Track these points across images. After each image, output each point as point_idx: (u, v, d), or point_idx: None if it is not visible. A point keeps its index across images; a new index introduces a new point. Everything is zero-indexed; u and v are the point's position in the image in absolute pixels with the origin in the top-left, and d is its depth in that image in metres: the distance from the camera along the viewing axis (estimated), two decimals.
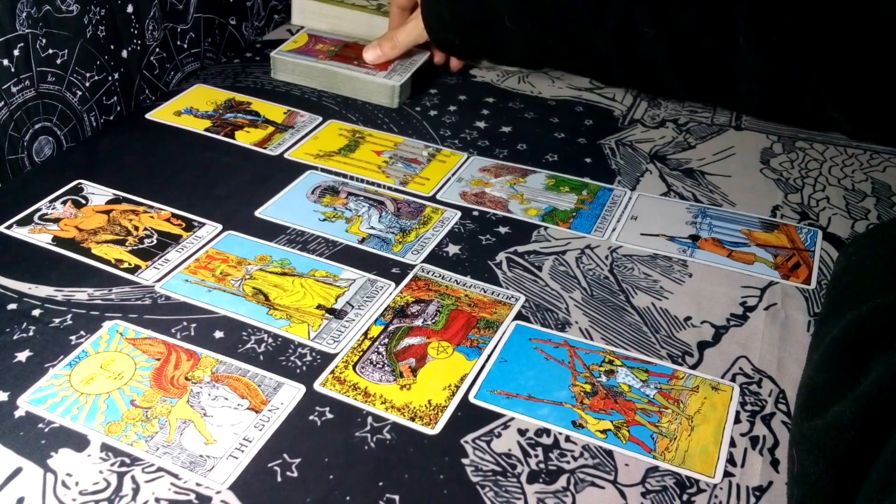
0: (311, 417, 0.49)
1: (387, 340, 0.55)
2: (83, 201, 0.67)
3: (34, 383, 0.51)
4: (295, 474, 0.46)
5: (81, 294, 0.58)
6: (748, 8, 0.72)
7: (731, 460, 0.48)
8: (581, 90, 0.89)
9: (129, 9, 0.77)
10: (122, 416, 0.49)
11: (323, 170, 0.73)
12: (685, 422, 0.50)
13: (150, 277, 0.60)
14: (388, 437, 0.48)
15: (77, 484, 0.45)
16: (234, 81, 0.87)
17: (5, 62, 0.66)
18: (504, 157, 0.77)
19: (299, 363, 0.53)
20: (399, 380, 0.52)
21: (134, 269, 0.60)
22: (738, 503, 0.46)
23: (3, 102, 0.67)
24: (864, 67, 0.70)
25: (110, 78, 0.77)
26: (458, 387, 0.52)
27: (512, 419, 0.50)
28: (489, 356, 0.54)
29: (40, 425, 0.48)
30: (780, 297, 0.60)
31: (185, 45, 0.87)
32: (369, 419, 0.49)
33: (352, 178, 0.72)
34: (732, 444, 0.49)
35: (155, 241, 0.63)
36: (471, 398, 0.51)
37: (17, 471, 0.45)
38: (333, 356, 0.54)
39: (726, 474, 0.47)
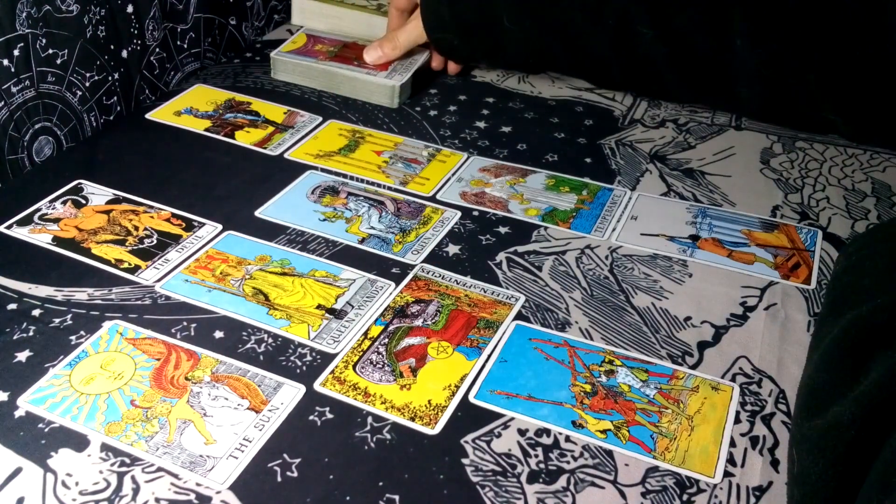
0: (311, 417, 0.49)
1: (387, 340, 0.55)
2: (83, 201, 0.67)
3: (34, 383, 0.51)
4: (295, 474, 0.46)
5: (81, 294, 0.58)
6: (746, 10, 0.72)
7: (731, 460, 0.48)
8: (581, 90, 0.89)
9: (129, 9, 0.77)
10: (122, 416, 0.49)
11: (323, 170, 0.73)
12: (685, 422, 0.50)
13: (150, 277, 0.60)
14: (388, 437, 0.48)
15: (77, 484, 0.45)
16: (234, 81, 0.87)
17: (5, 62, 0.66)
18: (504, 157, 0.77)
19: (299, 363, 0.53)
20: (399, 380, 0.52)
21: (134, 269, 0.60)
22: (738, 503, 0.46)
23: (3, 102, 0.67)
24: (861, 70, 0.70)
25: (110, 78, 0.77)
26: (458, 387, 0.52)
27: (512, 419, 0.50)
28: (489, 356, 0.54)
29: (40, 425, 0.48)
30: (780, 297, 0.60)
31: (185, 45, 0.87)
32: (369, 419, 0.49)
33: (352, 178, 0.72)
34: (732, 444, 0.49)
35: (155, 241, 0.63)
36: (471, 398, 0.51)
37: (17, 471, 0.45)
38: (333, 356, 0.54)
39: (726, 474, 0.47)
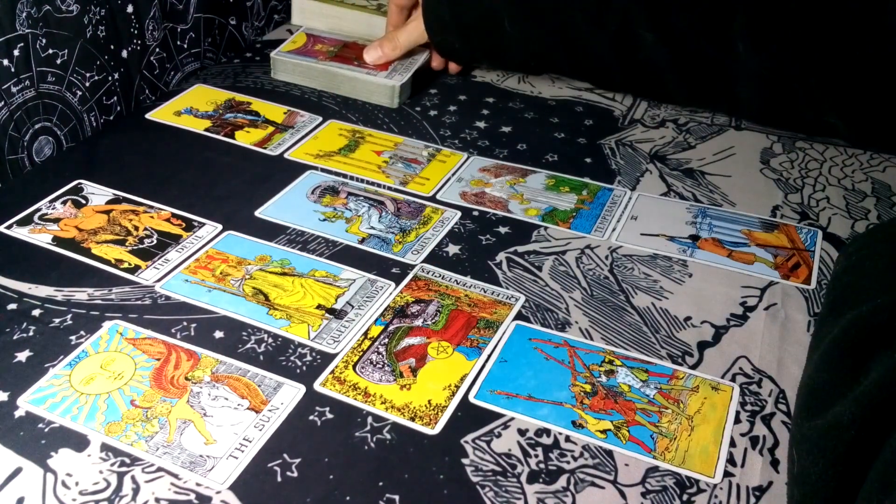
0: (311, 417, 0.49)
1: (387, 340, 0.55)
2: (83, 201, 0.67)
3: (34, 383, 0.51)
4: (295, 474, 0.46)
5: (81, 294, 0.58)
6: (747, 14, 0.72)
7: (731, 460, 0.48)
8: (581, 90, 0.89)
9: (129, 9, 0.77)
10: (122, 416, 0.49)
11: (323, 170, 0.73)
12: (685, 422, 0.50)
13: (150, 277, 0.60)
14: (388, 437, 0.48)
15: (77, 484, 0.45)
16: (234, 81, 0.87)
17: (5, 62, 0.66)
18: (504, 157, 0.77)
19: (299, 363, 0.53)
20: (399, 380, 0.52)
21: (134, 269, 0.60)
22: (738, 503, 0.46)
23: (3, 102, 0.67)
24: (862, 74, 0.70)
25: (110, 78, 0.77)
26: (458, 387, 0.52)
27: (512, 419, 0.50)
28: (489, 356, 0.54)
29: (40, 425, 0.48)
30: (780, 297, 0.60)
31: (185, 45, 0.87)
32: (369, 419, 0.49)
33: (352, 178, 0.72)
34: (732, 444, 0.49)
35: (155, 241, 0.63)
36: (471, 398, 0.51)
37: (17, 471, 0.45)
38: (333, 356, 0.54)
39: (726, 474, 0.47)
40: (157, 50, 0.83)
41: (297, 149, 0.76)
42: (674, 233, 0.67)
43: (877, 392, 0.41)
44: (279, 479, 0.45)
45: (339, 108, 0.84)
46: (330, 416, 0.50)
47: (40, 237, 0.63)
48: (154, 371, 0.52)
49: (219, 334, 0.55)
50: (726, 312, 0.59)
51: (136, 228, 0.64)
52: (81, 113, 0.75)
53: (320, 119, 0.81)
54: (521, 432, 0.49)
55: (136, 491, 0.44)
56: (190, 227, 0.65)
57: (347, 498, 0.45)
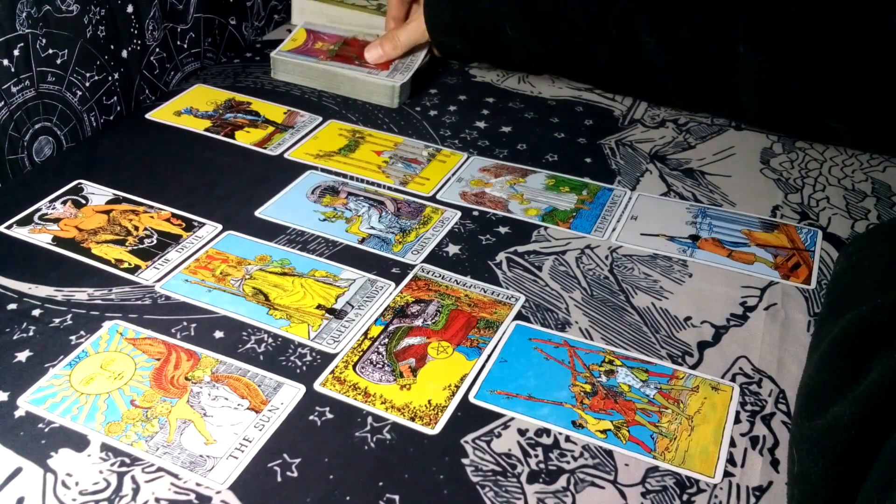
0: (311, 417, 0.49)
1: (387, 340, 0.55)
2: (83, 201, 0.67)
3: (34, 383, 0.51)
4: (295, 474, 0.46)
5: (81, 294, 0.58)
6: (748, 18, 0.72)
7: (731, 460, 0.48)
8: (581, 90, 0.89)
9: (129, 9, 0.77)
10: (122, 416, 0.49)
11: (323, 170, 0.73)
12: (685, 422, 0.50)
13: (150, 277, 0.60)
14: (388, 437, 0.48)
15: (77, 484, 0.45)
16: (234, 81, 0.87)
17: (5, 62, 0.66)
18: (504, 157, 0.77)
19: (299, 363, 0.53)
20: (399, 380, 0.52)
21: (134, 269, 0.60)
22: (738, 503, 0.46)
23: (3, 102, 0.67)
24: (864, 78, 0.70)
25: (110, 78, 0.77)
26: (458, 387, 0.52)
27: (512, 419, 0.50)
28: (489, 356, 0.54)
29: (40, 425, 0.48)
30: (780, 297, 0.60)
31: (185, 45, 0.87)
32: (369, 419, 0.49)
33: (352, 178, 0.72)
34: (732, 444, 0.49)
35: (155, 241, 0.63)
36: (471, 398, 0.51)
37: (17, 471, 0.45)
38: (333, 356, 0.54)
39: (726, 474, 0.47)
40: (157, 50, 0.83)
41: (297, 149, 0.76)
42: (674, 233, 0.67)
43: (877, 392, 0.41)
44: (279, 479, 0.45)
45: (339, 108, 0.84)
46: (330, 416, 0.50)
47: (40, 237, 0.63)
48: (154, 371, 0.52)
49: (219, 334, 0.55)
50: (726, 312, 0.59)
51: (136, 228, 0.64)
52: (81, 113, 0.75)
53: (320, 119, 0.81)
54: (521, 432, 0.49)
55: (136, 491, 0.44)
56: (190, 227, 0.65)
57: (347, 498, 0.45)
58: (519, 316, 0.58)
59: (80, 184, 0.69)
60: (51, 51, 0.70)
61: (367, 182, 0.72)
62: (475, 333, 0.56)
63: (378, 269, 0.61)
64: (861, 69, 0.69)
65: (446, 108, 0.84)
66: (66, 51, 0.72)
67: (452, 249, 0.64)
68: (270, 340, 0.55)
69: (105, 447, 0.47)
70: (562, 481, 0.46)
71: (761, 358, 0.55)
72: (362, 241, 0.64)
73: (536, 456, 0.48)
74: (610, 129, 0.82)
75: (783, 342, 0.56)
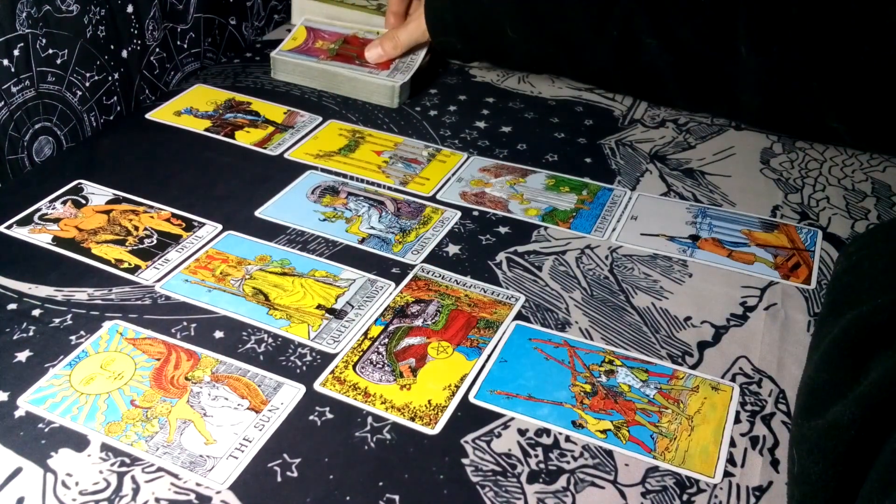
0: (311, 417, 0.49)
1: (387, 340, 0.55)
2: (83, 201, 0.67)
3: (34, 383, 0.51)
4: (295, 474, 0.46)
5: (81, 294, 0.58)
6: (749, 18, 0.72)
7: (731, 460, 0.48)
8: (581, 90, 0.89)
9: (129, 9, 0.77)
10: (122, 416, 0.49)
11: (323, 170, 0.73)
12: (685, 422, 0.50)
13: (150, 277, 0.60)
14: (388, 437, 0.48)
15: (77, 484, 0.45)
16: (234, 81, 0.87)
17: (5, 62, 0.66)
18: (504, 157, 0.77)
19: (299, 363, 0.53)
20: (399, 380, 0.52)
21: (134, 269, 0.60)
22: (738, 503, 0.46)
23: (3, 102, 0.67)
24: (865, 78, 0.70)
25: (110, 78, 0.77)
26: (458, 387, 0.52)
27: (512, 419, 0.50)
28: (489, 356, 0.54)
29: (40, 425, 0.48)
30: (780, 297, 0.60)
31: (185, 45, 0.87)
32: (369, 419, 0.49)
33: (352, 178, 0.72)
34: (732, 444, 0.49)
35: (155, 241, 0.63)
36: (471, 398, 0.51)
37: (17, 471, 0.45)
38: (333, 356, 0.54)
39: (726, 474, 0.47)
40: (157, 50, 0.83)
41: (297, 149, 0.76)
42: (674, 233, 0.67)
43: (877, 392, 0.41)
44: (279, 479, 0.45)
45: (339, 108, 0.84)
46: (330, 416, 0.50)
47: (40, 237, 0.63)
48: (154, 371, 0.52)
49: (219, 334, 0.55)
50: (726, 312, 0.59)
51: (136, 228, 0.64)
52: (81, 113, 0.75)
53: (320, 119, 0.81)
54: (521, 432, 0.49)
55: (136, 491, 0.44)
56: (190, 227, 0.65)
57: (347, 498, 0.45)
58: (519, 316, 0.58)
59: (80, 184, 0.69)
60: (51, 51, 0.70)
61: (367, 182, 0.72)
62: (475, 333, 0.56)
63: (378, 269, 0.61)
64: (862, 69, 0.69)
65: (446, 108, 0.84)
66: (66, 51, 0.72)
67: (452, 249, 0.64)
68: (270, 340, 0.55)
69: (105, 447, 0.47)
70: (562, 481, 0.46)
71: (761, 358, 0.55)
72: (362, 241, 0.64)
73: (536, 456, 0.48)
74: (610, 129, 0.82)
75: (783, 342, 0.56)
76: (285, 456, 0.47)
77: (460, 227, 0.67)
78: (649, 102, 0.86)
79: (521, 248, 0.64)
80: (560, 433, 0.49)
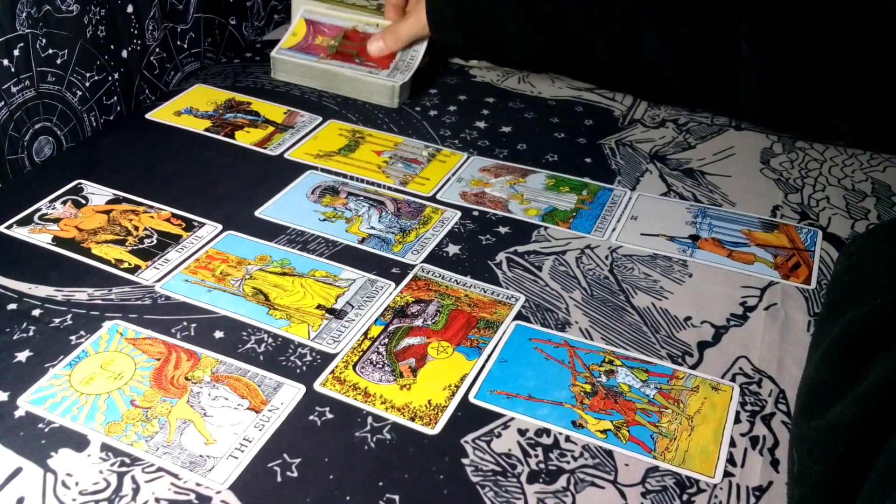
0: (311, 417, 0.49)
1: (387, 340, 0.55)
2: (83, 201, 0.67)
3: (34, 383, 0.51)
4: (295, 474, 0.46)
5: (81, 294, 0.58)
6: (750, 17, 0.72)
7: (731, 460, 0.48)
8: (581, 90, 0.89)
9: (129, 9, 0.77)
10: (122, 416, 0.49)
11: (323, 170, 0.73)
12: (685, 422, 0.50)
13: (150, 277, 0.60)
14: (388, 437, 0.48)
15: (77, 484, 0.45)
16: (234, 81, 0.87)
17: (5, 62, 0.66)
18: (504, 157, 0.77)
19: (299, 363, 0.53)
20: (399, 380, 0.52)
21: (134, 269, 0.60)
22: (738, 503, 0.46)
23: (3, 102, 0.67)
24: (866, 76, 0.70)
25: (110, 78, 0.77)
26: (458, 387, 0.52)
27: (512, 419, 0.50)
28: (489, 356, 0.54)
29: (40, 425, 0.48)
30: (780, 297, 0.60)
31: (185, 45, 0.87)
32: (369, 419, 0.49)
33: (352, 178, 0.72)
34: (732, 444, 0.49)
35: (155, 241, 0.63)
36: (471, 398, 0.51)
37: (17, 471, 0.45)
38: (333, 356, 0.54)
39: (726, 474, 0.47)
40: (157, 50, 0.83)
41: (297, 149, 0.76)
42: (674, 233, 0.67)
43: (877, 392, 0.41)
44: (279, 479, 0.45)
45: (339, 108, 0.84)
46: (330, 416, 0.50)
47: (40, 237, 0.63)
48: (154, 371, 0.52)
49: (219, 334, 0.55)
50: (726, 312, 0.59)
51: (136, 228, 0.64)
52: (81, 113, 0.75)
53: (320, 119, 0.81)
54: (521, 432, 0.49)
55: (136, 491, 0.44)
56: (190, 227, 0.65)
57: (347, 498, 0.45)
58: (519, 316, 0.58)
59: (80, 184, 0.69)
60: (51, 51, 0.70)
61: (367, 182, 0.72)
62: (475, 333, 0.56)
63: (378, 269, 0.61)
64: (863, 67, 0.69)
65: (446, 108, 0.84)
66: (66, 51, 0.72)
67: (452, 249, 0.64)
68: (270, 340, 0.55)
69: (105, 447, 0.47)
70: (562, 481, 0.46)
71: (761, 358, 0.55)
72: (362, 241, 0.64)
73: (536, 456, 0.48)
74: (610, 129, 0.82)
75: (783, 342, 0.56)
76: (285, 456, 0.47)
77: (460, 227, 0.67)
78: (649, 101, 0.86)
79: (521, 248, 0.64)
80: (560, 433, 0.49)
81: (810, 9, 0.70)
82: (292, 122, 0.80)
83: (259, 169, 0.73)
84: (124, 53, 0.78)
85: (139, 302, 0.57)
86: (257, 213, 0.67)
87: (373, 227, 0.66)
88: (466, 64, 0.93)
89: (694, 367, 0.54)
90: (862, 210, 0.71)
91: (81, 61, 0.73)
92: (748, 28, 0.72)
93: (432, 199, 0.70)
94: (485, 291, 0.60)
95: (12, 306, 0.56)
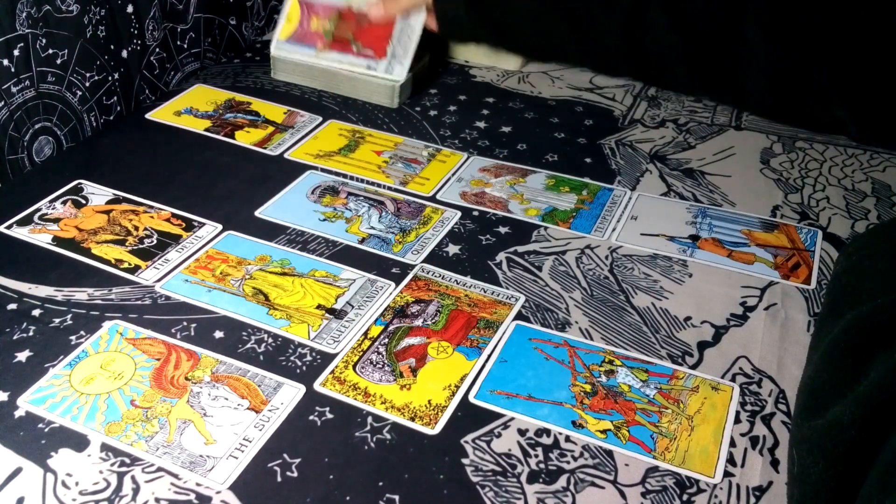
0: (311, 417, 0.49)
1: (387, 340, 0.55)
2: (83, 201, 0.67)
3: (34, 383, 0.51)
4: (295, 474, 0.46)
5: (81, 294, 0.58)
6: (760, 2, 0.71)
7: (731, 460, 0.48)
8: (581, 90, 0.89)
9: (129, 9, 0.77)
10: (122, 416, 0.49)
11: (323, 170, 0.73)
12: (685, 422, 0.50)
13: (150, 277, 0.60)
14: (388, 437, 0.48)
15: (77, 484, 0.45)
16: (234, 81, 0.87)
17: (5, 62, 0.66)
18: (504, 157, 0.77)
19: (299, 363, 0.53)
20: (399, 380, 0.52)
21: (134, 269, 0.60)
22: (738, 503, 0.46)
23: (3, 102, 0.67)
24: (872, 66, 0.69)
25: (110, 78, 0.77)
26: (458, 387, 0.52)
27: (512, 419, 0.50)
28: (489, 356, 0.54)
29: (40, 425, 0.48)
30: (780, 297, 0.60)
31: (185, 45, 0.87)
32: (369, 419, 0.49)
33: (352, 178, 0.72)
34: (732, 444, 0.49)
35: (155, 241, 0.63)
36: (471, 398, 0.51)
37: (17, 471, 0.45)
38: (333, 356, 0.54)
39: (726, 474, 0.47)
40: (157, 50, 0.83)
41: (297, 149, 0.76)
42: (674, 233, 0.67)
43: (877, 392, 0.41)
44: (279, 479, 0.45)
45: (339, 108, 0.84)
46: (330, 416, 0.50)
47: (40, 237, 0.63)
48: (154, 371, 0.52)
49: (219, 334, 0.55)
50: (726, 312, 0.59)
51: (136, 228, 0.64)
52: (81, 113, 0.75)
53: (320, 119, 0.81)
54: (521, 432, 0.49)
55: (136, 491, 0.44)
56: (190, 227, 0.65)
57: (347, 498, 0.45)
58: (519, 316, 0.58)
59: (80, 184, 0.69)
60: (51, 51, 0.70)
61: (367, 182, 0.72)
62: (475, 333, 0.56)
63: (378, 269, 0.61)
64: (870, 57, 0.69)
65: (446, 108, 0.84)
66: (66, 51, 0.72)
67: (452, 249, 0.64)
68: (270, 340, 0.55)
69: (105, 447, 0.47)
70: (562, 481, 0.46)
71: (761, 358, 0.55)
72: (362, 241, 0.64)
73: (536, 456, 0.48)
74: (610, 129, 0.82)
75: (783, 342, 0.56)
76: (285, 456, 0.47)
77: (460, 227, 0.67)
78: (653, 85, 0.85)
79: (521, 248, 0.64)
80: (560, 433, 0.49)
81: None
82: (292, 122, 0.80)
83: (259, 169, 0.73)
84: (124, 53, 0.78)
85: (139, 302, 0.57)
86: (257, 213, 0.67)
87: (373, 227, 0.66)
88: (466, 63, 0.93)
89: (694, 367, 0.54)
90: (862, 210, 0.71)
91: (81, 61, 0.73)
92: (756, 12, 0.72)
93: (432, 199, 0.70)
94: (485, 291, 0.60)
95: (12, 306, 0.56)
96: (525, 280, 0.61)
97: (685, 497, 0.46)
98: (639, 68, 0.82)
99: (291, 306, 0.57)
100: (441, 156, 0.76)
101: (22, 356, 0.52)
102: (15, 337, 0.54)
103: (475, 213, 0.68)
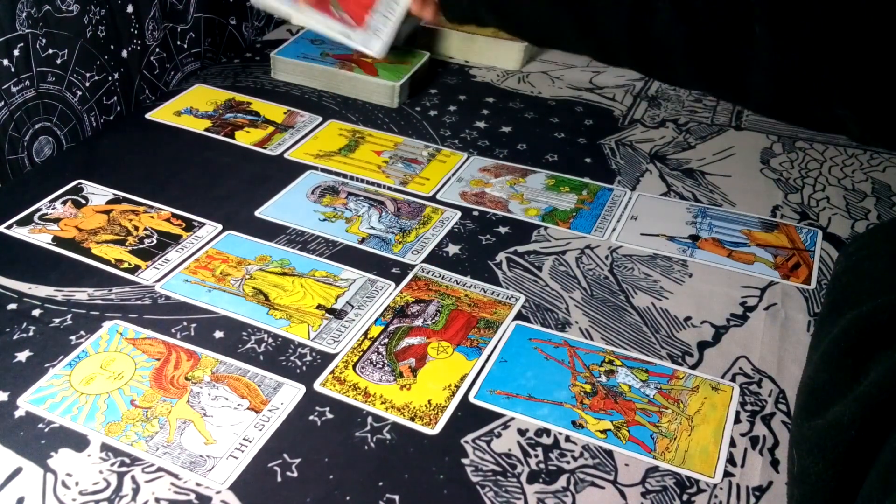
0: (311, 417, 0.49)
1: (387, 340, 0.55)
2: (83, 201, 0.67)
3: (34, 383, 0.51)
4: (295, 474, 0.46)
5: (81, 294, 0.58)
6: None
7: (731, 460, 0.48)
8: (581, 90, 0.89)
9: (129, 9, 0.77)
10: (122, 416, 0.49)
11: (323, 170, 0.73)
12: (685, 422, 0.50)
13: (150, 277, 0.60)
14: (388, 437, 0.48)
15: (77, 484, 0.45)
16: (234, 81, 0.87)
17: (5, 62, 0.66)
18: (504, 157, 0.77)
19: (299, 363, 0.53)
20: (399, 380, 0.52)
21: (134, 269, 0.60)
22: (738, 503, 0.46)
23: (3, 102, 0.67)
24: (876, 65, 0.69)
25: (110, 78, 0.77)
26: (458, 387, 0.52)
27: (512, 419, 0.50)
28: (489, 356, 0.54)
29: (40, 425, 0.48)
30: (780, 297, 0.60)
31: (185, 45, 0.87)
32: (369, 419, 0.49)
33: (352, 178, 0.72)
34: (732, 444, 0.49)
35: (155, 241, 0.63)
36: (471, 398, 0.51)
37: (17, 471, 0.45)
38: (333, 356, 0.54)
39: (726, 474, 0.47)
40: (157, 50, 0.83)
41: (297, 149, 0.76)
42: (674, 233, 0.67)
43: (877, 392, 0.41)
44: (279, 479, 0.45)
45: (339, 108, 0.84)
46: (330, 416, 0.50)
47: (40, 237, 0.63)
48: (154, 371, 0.52)
49: (219, 334, 0.55)
50: (726, 312, 0.59)
51: (136, 228, 0.64)
52: (81, 113, 0.75)
53: (320, 119, 0.81)
54: (521, 432, 0.49)
55: (136, 491, 0.44)
56: (190, 227, 0.65)
57: (347, 498, 0.45)
58: (519, 316, 0.58)
59: (80, 184, 0.69)
60: (51, 51, 0.70)
61: (367, 182, 0.72)
62: (475, 333, 0.56)
63: (378, 269, 0.61)
64: (875, 56, 0.69)
65: (446, 108, 0.84)
66: (66, 51, 0.72)
67: (452, 249, 0.64)
68: (270, 340, 0.55)
69: (105, 447, 0.47)
70: (562, 481, 0.46)
71: (761, 358, 0.55)
72: (362, 241, 0.64)
73: (536, 456, 0.48)
74: (610, 129, 0.82)
75: (783, 342, 0.56)
76: (285, 456, 0.47)
77: (460, 227, 0.67)
78: (654, 78, 0.85)
79: (521, 248, 0.64)
80: (560, 433, 0.49)
81: None
82: (292, 122, 0.80)
83: (259, 169, 0.73)
84: (124, 53, 0.78)
85: (139, 302, 0.57)
86: (257, 213, 0.67)
87: (373, 227, 0.66)
88: (466, 63, 0.93)
89: (694, 367, 0.54)
90: (862, 210, 0.71)
91: (81, 61, 0.73)
92: (762, 8, 0.71)
93: (432, 199, 0.70)
94: (485, 291, 0.60)
95: (12, 306, 0.56)
96: (525, 280, 0.61)
97: (685, 497, 0.46)
98: (640, 58, 0.81)
99: (291, 306, 0.57)
100: (441, 156, 0.76)
101: (22, 356, 0.52)
102: (15, 337, 0.54)
103: (475, 213, 0.68)
